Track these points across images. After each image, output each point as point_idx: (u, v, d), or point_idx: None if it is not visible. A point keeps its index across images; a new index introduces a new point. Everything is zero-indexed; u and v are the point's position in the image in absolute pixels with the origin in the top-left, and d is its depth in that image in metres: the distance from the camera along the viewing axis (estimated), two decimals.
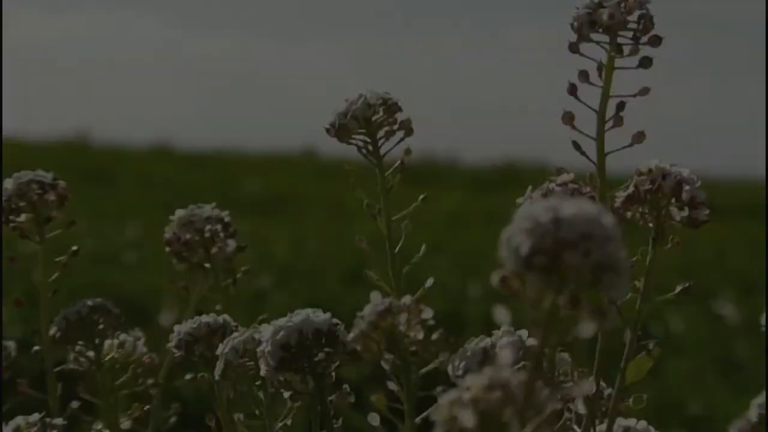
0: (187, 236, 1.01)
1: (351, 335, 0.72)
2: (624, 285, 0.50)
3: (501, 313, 0.62)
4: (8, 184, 0.98)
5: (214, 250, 1.01)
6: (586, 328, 0.50)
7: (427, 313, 0.70)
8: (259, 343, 0.82)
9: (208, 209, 1.02)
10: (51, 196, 0.98)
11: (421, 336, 0.70)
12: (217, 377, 0.85)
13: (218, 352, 0.85)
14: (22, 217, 0.98)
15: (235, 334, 0.85)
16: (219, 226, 1.01)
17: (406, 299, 0.71)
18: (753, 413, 0.87)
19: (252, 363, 0.84)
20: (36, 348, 0.99)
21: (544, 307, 0.51)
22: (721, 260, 4.31)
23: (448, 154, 8.66)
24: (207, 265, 1.02)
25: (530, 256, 0.50)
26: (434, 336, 0.70)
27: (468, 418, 0.51)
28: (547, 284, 0.50)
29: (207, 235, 1.01)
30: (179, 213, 1.01)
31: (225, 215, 1.02)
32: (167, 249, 1.01)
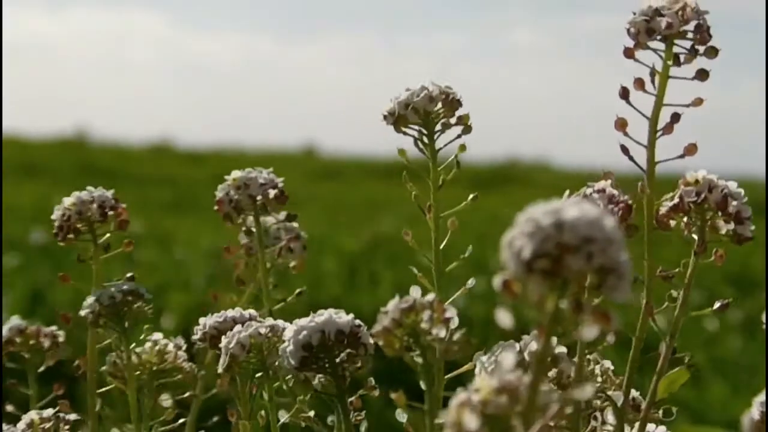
0: (238, 198, 0.98)
1: (373, 330, 0.72)
2: (627, 288, 0.50)
3: (504, 317, 0.61)
4: (68, 201, 0.95)
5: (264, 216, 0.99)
6: (590, 332, 0.50)
7: (451, 312, 0.70)
8: (267, 338, 0.83)
9: (265, 173, 0.99)
10: (111, 220, 0.96)
11: (443, 334, 0.69)
12: (220, 371, 0.85)
13: (222, 345, 0.85)
14: (80, 237, 0.95)
15: (238, 327, 0.85)
16: (272, 192, 0.98)
17: (430, 297, 0.71)
18: (755, 411, 0.87)
19: (257, 358, 0.84)
20: (77, 362, 0.97)
21: (547, 311, 0.51)
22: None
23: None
24: (253, 229, 1.00)
25: (532, 260, 0.49)
26: (456, 335, 0.70)
27: (471, 421, 0.51)
28: (550, 288, 0.50)
29: (259, 200, 0.98)
30: (235, 174, 0.98)
31: (280, 181, 0.99)
32: (216, 208, 0.99)
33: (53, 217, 0.95)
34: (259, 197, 0.97)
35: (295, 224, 1.04)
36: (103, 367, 0.96)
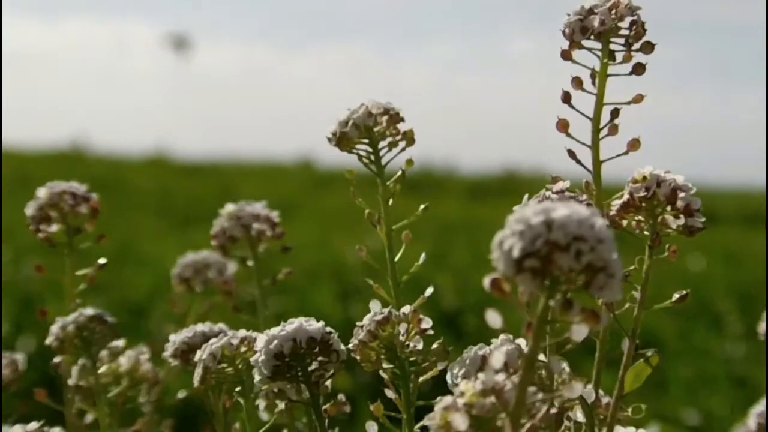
0: (234, 231, 0.99)
1: (350, 344, 0.71)
2: (617, 286, 0.50)
3: (493, 318, 0.61)
4: (41, 192, 0.98)
5: (260, 248, 1.00)
6: (579, 331, 0.50)
7: (427, 323, 0.70)
8: (238, 348, 0.82)
9: (258, 206, 1.00)
10: (83, 209, 0.98)
11: (420, 346, 0.69)
12: (195, 384, 0.84)
13: (196, 358, 0.85)
14: (53, 227, 0.98)
15: (213, 340, 0.85)
16: (266, 225, 1.00)
17: (406, 309, 0.71)
18: (752, 422, 0.87)
19: (231, 369, 0.84)
20: (57, 360, 0.98)
21: (536, 310, 0.51)
22: (724, 269, 4.30)
23: (446, 162, 8.66)
24: (250, 262, 1.00)
25: (522, 258, 0.49)
26: (434, 345, 0.70)
27: (460, 422, 0.51)
28: (539, 287, 0.50)
29: (253, 233, 0.99)
30: (229, 207, 1.00)
31: (274, 215, 1.00)
32: (213, 242, 1.00)
33: (28, 211, 0.97)
34: (254, 229, 0.99)
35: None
36: (70, 382, 0.97)
